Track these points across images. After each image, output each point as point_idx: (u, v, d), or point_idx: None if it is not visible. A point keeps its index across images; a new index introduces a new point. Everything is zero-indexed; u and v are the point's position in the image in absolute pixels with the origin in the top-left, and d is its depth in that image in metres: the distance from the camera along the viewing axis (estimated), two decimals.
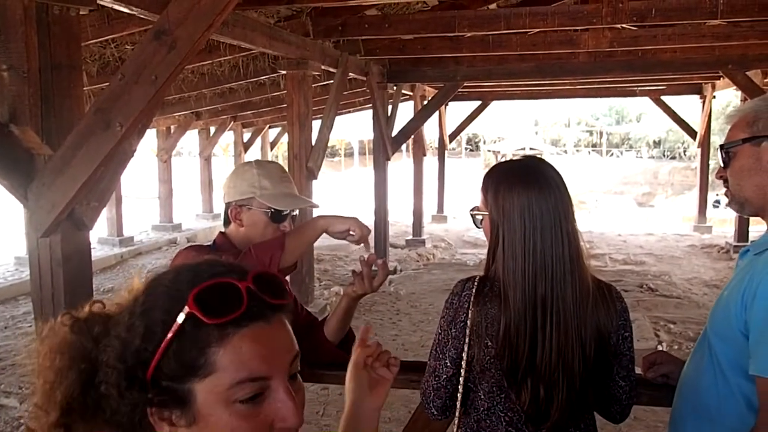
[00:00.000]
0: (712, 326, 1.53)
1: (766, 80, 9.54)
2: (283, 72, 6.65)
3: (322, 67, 6.80)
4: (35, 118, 2.59)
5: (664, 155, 32.97)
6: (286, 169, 2.13)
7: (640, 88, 12.27)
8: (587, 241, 1.58)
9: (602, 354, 1.53)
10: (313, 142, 6.80)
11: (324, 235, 1.85)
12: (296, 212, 2.01)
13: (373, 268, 1.86)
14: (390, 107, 9.61)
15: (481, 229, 1.64)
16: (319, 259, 9.42)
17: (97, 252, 10.19)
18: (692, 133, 13.02)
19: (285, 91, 7.53)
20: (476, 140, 36.43)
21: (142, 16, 3.84)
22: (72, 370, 0.79)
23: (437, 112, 11.82)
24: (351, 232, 1.82)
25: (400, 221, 13.56)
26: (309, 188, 6.62)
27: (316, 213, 1.97)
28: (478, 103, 13.50)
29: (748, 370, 1.37)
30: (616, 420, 1.67)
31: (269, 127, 15.86)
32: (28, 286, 6.85)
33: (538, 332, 1.48)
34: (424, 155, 12.28)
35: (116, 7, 3.59)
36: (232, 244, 1.93)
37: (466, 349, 1.52)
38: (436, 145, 14.17)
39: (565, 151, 35.97)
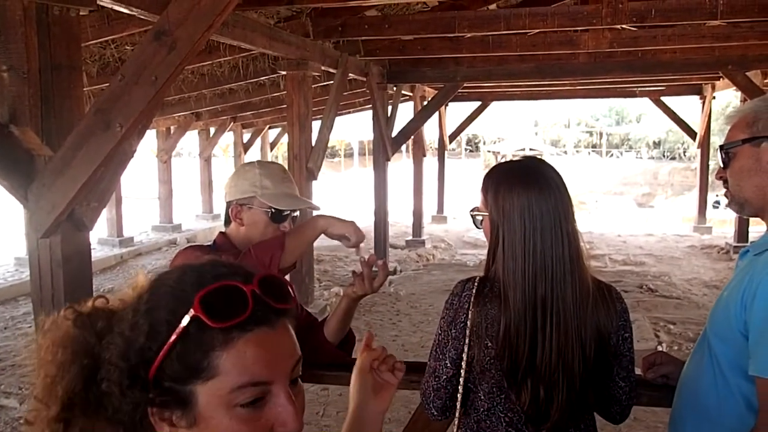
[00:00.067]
0: (712, 327, 1.53)
1: (765, 81, 9.55)
2: (283, 72, 6.65)
3: (322, 67, 6.80)
4: (35, 119, 2.59)
5: (663, 156, 32.98)
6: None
7: (639, 89, 12.27)
8: (587, 242, 1.58)
9: (602, 354, 1.53)
10: (313, 143, 6.80)
11: (322, 235, 1.86)
12: (297, 213, 2.01)
13: (374, 268, 1.86)
14: (390, 108, 9.62)
15: (481, 230, 1.64)
16: (319, 260, 9.42)
17: (97, 252, 10.19)
18: (692, 133, 13.03)
19: (285, 92, 7.54)
20: (476, 141, 36.43)
21: (142, 17, 3.84)
22: (74, 365, 0.78)
23: (437, 113, 11.83)
24: (347, 236, 1.83)
25: (400, 222, 13.56)
26: (309, 189, 6.61)
27: (315, 213, 1.96)
28: (477, 103, 13.51)
29: (747, 370, 1.37)
30: (616, 420, 1.67)
31: (269, 128, 15.86)
32: (28, 287, 6.86)
33: (538, 333, 1.48)
34: (424, 156, 12.28)
35: (116, 7, 3.59)
36: (232, 244, 1.93)
37: (466, 349, 1.52)
38: (436, 146, 14.17)
39: (565, 152, 35.97)
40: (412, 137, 11.00)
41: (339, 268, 9.50)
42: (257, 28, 5.31)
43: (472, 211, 1.64)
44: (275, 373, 0.75)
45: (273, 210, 1.90)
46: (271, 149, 17.14)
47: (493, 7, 6.85)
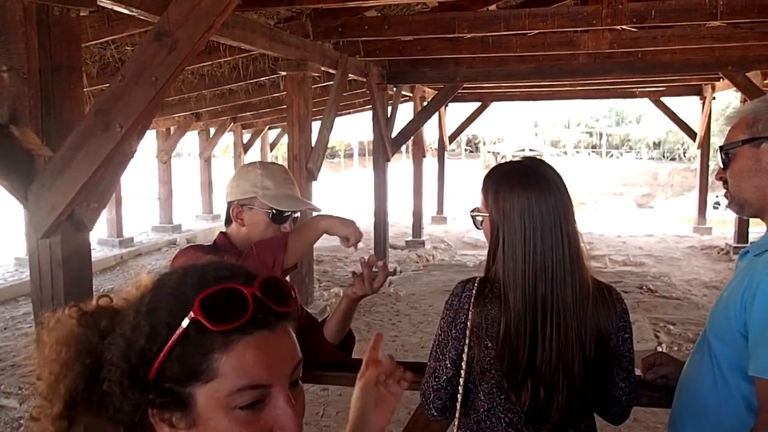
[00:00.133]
0: (712, 327, 1.53)
1: (765, 81, 9.55)
2: (283, 73, 6.65)
3: (322, 68, 6.80)
4: (35, 119, 2.59)
5: (663, 156, 32.98)
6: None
7: (639, 90, 12.27)
8: (587, 243, 1.58)
9: (602, 355, 1.53)
10: (313, 143, 6.80)
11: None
12: (298, 214, 2.01)
13: (373, 269, 1.86)
14: (390, 108, 9.62)
15: (482, 231, 1.64)
16: (318, 260, 9.42)
17: (97, 253, 10.19)
18: (692, 134, 13.03)
19: (285, 93, 7.54)
20: (476, 141, 36.45)
21: (142, 18, 3.84)
22: (77, 364, 0.79)
23: (437, 114, 11.82)
24: (348, 237, 1.84)
25: (399, 222, 13.56)
26: (309, 189, 6.61)
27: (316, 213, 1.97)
28: (477, 104, 13.51)
29: (747, 371, 1.37)
30: (616, 421, 1.67)
31: (269, 129, 15.86)
32: (28, 287, 6.86)
33: (538, 333, 1.48)
34: (424, 156, 12.28)
35: (116, 8, 3.60)
36: (233, 244, 1.93)
37: (466, 350, 1.52)
38: (436, 146, 14.17)
39: (565, 153, 35.98)
40: (412, 138, 11.00)
41: (339, 269, 9.50)
42: (257, 29, 5.31)
43: (472, 211, 1.64)
44: (275, 376, 0.75)
45: (274, 211, 1.90)
46: (271, 150, 17.14)
47: (492, 7, 6.85)
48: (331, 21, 6.25)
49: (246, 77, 7.78)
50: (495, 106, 14.34)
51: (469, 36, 7.08)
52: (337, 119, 7.95)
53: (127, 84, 2.47)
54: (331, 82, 7.52)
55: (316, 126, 7.02)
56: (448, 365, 1.56)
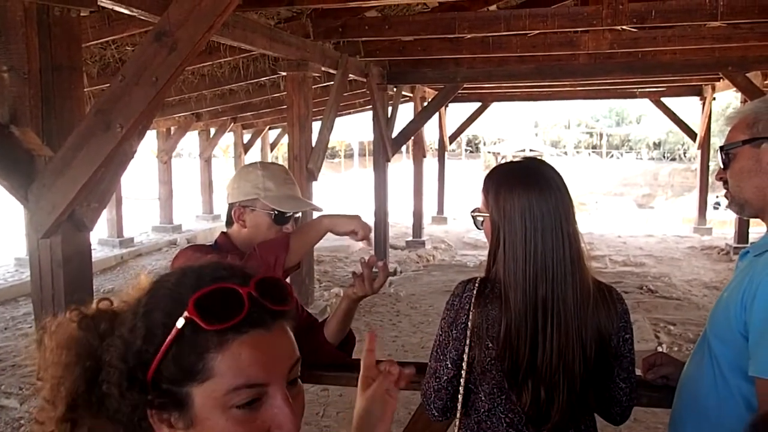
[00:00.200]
0: (712, 328, 1.53)
1: (766, 82, 9.55)
2: (284, 73, 6.65)
3: (323, 68, 6.80)
4: (36, 119, 2.59)
5: (664, 157, 32.98)
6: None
7: (640, 90, 12.27)
8: (587, 243, 1.58)
9: (603, 356, 1.53)
10: (313, 144, 6.81)
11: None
12: (299, 214, 2.01)
13: (374, 269, 1.86)
14: (390, 109, 9.62)
15: (482, 231, 1.64)
16: (319, 261, 9.42)
17: (98, 253, 10.19)
18: (692, 134, 13.03)
19: (285, 93, 7.54)
20: (476, 142, 36.46)
21: (142, 18, 3.84)
22: (78, 366, 0.79)
23: (437, 114, 11.83)
24: (354, 231, 1.83)
25: (400, 222, 13.56)
26: (309, 189, 6.62)
27: (317, 215, 1.96)
28: (478, 104, 13.51)
29: (747, 371, 1.37)
30: (617, 422, 1.67)
31: (269, 129, 15.86)
32: (28, 287, 6.86)
33: (539, 334, 1.48)
34: (424, 156, 12.29)
35: (117, 8, 3.60)
36: (234, 245, 1.93)
37: (466, 350, 1.52)
38: (436, 147, 14.17)
39: (565, 153, 35.98)
40: (412, 138, 11.00)
41: (339, 269, 9.50)
42: (257, 29, 5.32)
43: (472, 212, 1.64)
44: (271, 374, 0.75)
45: (276, 212, 1.90)
46: (272, 150, 17.14)
47: (493, 8, 6.85)
48: (331, 21, 6.25)
49: (246, 77, 7.78)
50: (495, 107, 14.34)
51: (469, 36, 7.08)
52: (338, 119, 7.95)
53: (128, 84, 2.47)
54: (332, 83, 7.52)
55: (316, 126, 7.03)
56: (449, 365, 1.56)
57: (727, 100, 20.12)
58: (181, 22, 2.39)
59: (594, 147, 37.43)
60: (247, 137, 15.42)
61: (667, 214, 18.50)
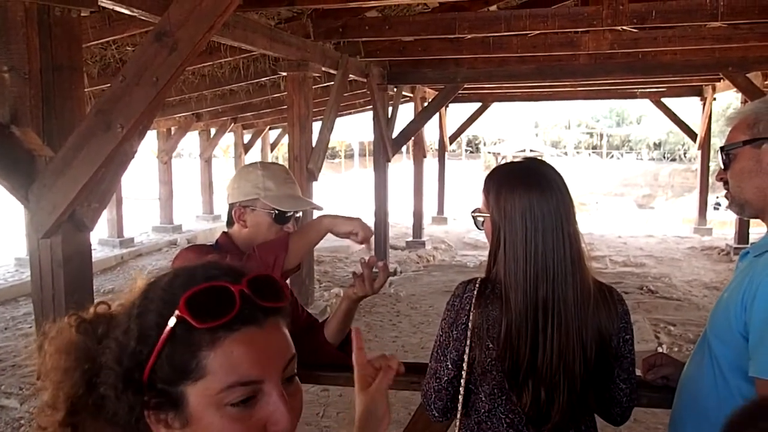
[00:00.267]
0: (712, 328, 1.53)
1: (766, 82, 9.55)
2: (284, 73, 6.65)
3: (323, 68, 6.80)
4: (36, 120, 2.59)
5: (664, 157, 32.98)
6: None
7: (640, 90, 12.27)
8: (587, 243, 1.58)
9: (603, 356, 1.53)
10: (314, 144, 6.81)
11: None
12: (300, 214, 2.01)
13: (374, 269, 1.86)
14: (390, 109, 9.62)
15: (482, 231, 1.64)
16: (319, 261, 9.42)
17: (98, 253, 10.20)
18: (692, 135, 13.03)
19: (285, 93, 7.54)
20: (476, 142, 36.46)
21: (143, 18, 3.85)
22: (77, 371, 0.80)
23: (437, 114, 11.82)
24: (354, 233, 1.82)
25: (400, 223, 13.56)
26: (309, 190, 6.62)
27: (318, 214, 1.96)
28: (478, 104, 13.51)
29: (747, 371, 1.37)
30: (617, 422, 1.67)
31: (269, 129, 15.86)
32: (28, 287, 6.86)
33: (539, 334, 1.48)
34: (425, 157, 12.29)
35: (117, 8, 3.60)
36: (235, 244, 1.93)
37: (467, 351, 1.52)
38: (437, 147, 14.17)
39: (566, 153, 35.97)
40: (413, 138, 11.00)
41: (339, 269, 9.50)
42: (258, 29, 5.32)
43: (473, 212, 1.64)
44: (265, 371, 0.75)
45: (276, 212, 1.90)
46: (272, 150, 17.14)
47: (493, 8, 6.85)
48: (331, 21, 6.25)
49: (247, 77, 7.78)
50: (495, 107, 14.34)
51: (469, 36, 7.08)
52: (338, 120, 7.95)
53: (128, 84, 2.47)
54: (332, 83, 7.52)
55: (316, 126, 7.03)
56: (449, 366, 1.56)
57: (728, 100, 20.12)
58: (181, 22, 2.39)
59: (594, 147, 37.43)
60: (247, 137, 15.42)
61: (667, 214, 18.50)
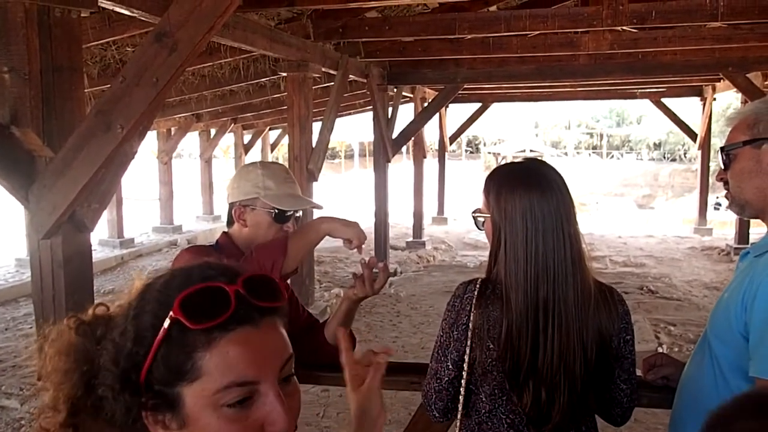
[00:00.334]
0: (712, 328, 1.53)
1: (766, 82, 9.55)
2: (284, 74, 6.65)
3: (323, 69, 6.80)
4: (36, 120, 2.59)
5: (664, 157, 32.98)
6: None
7: (640, 90, 12.27)
8: (588, 243, 1.58)
9: (603, 357, 1.53)
10: (314, 144, 6.81)
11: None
12: (300, 213, 2.01)
13: (374, 270, 1.86)
14: (390, 109, 9.62)
15: (483, 232, 1.64)
16: (319, 261, 9.42)
17: (98, 254, 10.20)
18: (692, 135, 13.03)
19: (285, 93, 7.54)
20: (476, 142, 36.46)
21: (143, 19, 3.85)
22: (76, 372, 0.80)
23: (437, 114, 11.83)
24: (350, 239, 1.83)
25: (400, 223, 13.56)
26: (309, 190, 6.62)
27: (317, 214, 1.96)
28: (478, 105, 13.51)
29: (748, 372, 1.37)
30: (617, 423, 1.67)
31: (269, 129, 15.86)
32: (28, 288, 6.86)
33: (540, 335, 1.48)
34: (425, 157, 12.28)
35: (117, 9, 3.60)
36: (235, 244, 1.93)
37: (467, 351, 1.52)
38: (437, 147, 14.18)
39: (566, 153, 35.98)
40: (413, 139, 11.00)
41: (339, 270, 9.50)
42: (258, 30, 5.32)
43: (473, 212, 1.64)
44: (262, 372, 0.75)
45: (276, 211, 1.90)
46: (272, 150, 17.14)
47: (493, 8, 6.85)
48: (331, 22, 6.26)
49: (247, 78, 7.78)
50: (495, 107, 14.34)
51: (469, 37, 7.08)
52: (338, 120, 7.95)
53: (128, 85, 2.47)
54: (332, 83, 7.53)
55: (316, 127, 7.03)
56: (450, 367, 1.56)
57: (728, 100, 20.12)
58: (181, 23, 2.39)
59: (594, 147, 37.43)
60: (247, 138, 15.43)
61: (667, 214, 18.50)
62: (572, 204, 1.55)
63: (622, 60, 8.11)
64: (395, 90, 9.81)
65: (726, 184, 1.55)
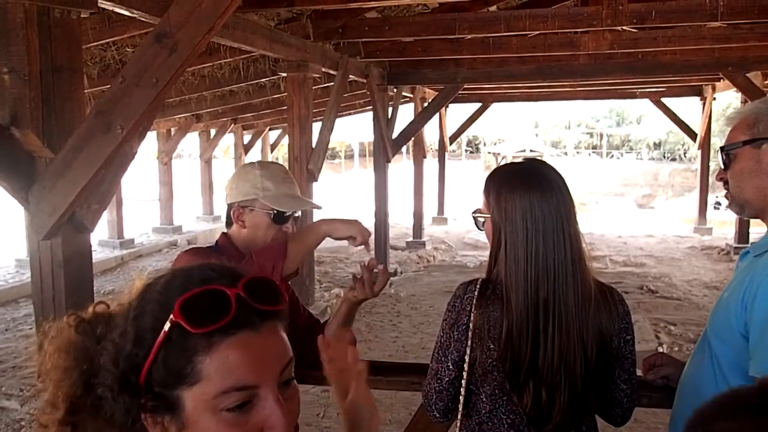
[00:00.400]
0: (712, 328, 1.53)
1: (766, 82, 9.55)
2: (284, 74, 6.65)
3: (323, 69, 6.80)
4: (36, 121, 2.59)
5: (664, 157, 32.99)
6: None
7: (640, 90, 12.27)
8: (588, 243, 1.58)
9: (604, 357, 1.53)
10: (314, 144, 6.81)
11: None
12: (299, 213, 2.00)
13: (374, 271, 1.85)
14: (390, 109, 9.62)
15: (483, 232, 1.64)
16: (319, 261, 9.42)
17: (98, 254, 10.20)
18: (692, 134, 13.03)
19: (285, 94, 7.54)
20: (476, 142, 36.47)
21: (142, 19, 3.85)
22: (75, 370, 0.80)
23: (437, 114, 11.82)
24: (353, 236, 1.82)
25: (400, 223, 13.56)
26: (309, 190, 6.62)
27: (317, 214, 1.96)
28: (478, 105, 13.51)
29: (748, 371, 1.37)
30: (618, 423, 1.67)
31: (269, 130, 15.87)
32: (28, 289, 6.86)
33: (540, 335, 1.48)
34: (425, 157, 12.29)
35: (117, 10, 3.60)
36: (234, 245, 1.93)
37: (468, 351, 1.52)
38: (437, 147, 14.18)
39: (566, 153, 35.99)
40: (413, 139, 11.00)
41: (339, 270, 9.50)
42: (258, 30, 5.32)
43: (474, 213, 1.64)
44: (261, 376, 0.75)
45: (275, 212, 1.89)
46: (272, 151, 17.15)
47: (493, 8, 6.85)
48: (331, 22, 6.25)
49: (246, 78, 7.78)
50: (495, 107, 14.34)
51: (469, 37, 7.08)
52: (338, 120, 7.95)
53: (128, 85, 2.47)
54: (332, 83, 7.53)
55: (316, 127, 7.03)
56: (450, 367, 1.56)
57: (728, 100, 20.12)
58: (181, 23, 2.39)
59: (594, 147, 37.44)
60: (247, 138, 15.43)
61: (667, 214, 18.50)
62: (572, 204, 1.55)
63: (622, 60, 8.11)
64: (395, 90, 9.82)
65: (726, 183, 1.55)
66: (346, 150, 34.87)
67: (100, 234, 10.84)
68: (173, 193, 13.29)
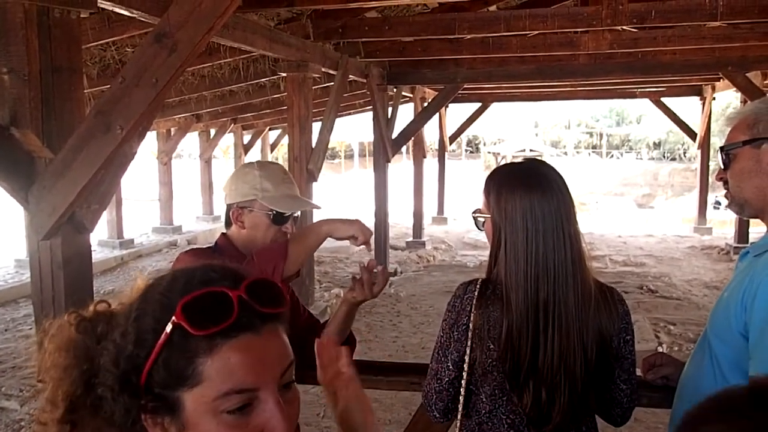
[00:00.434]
0: (712, 327, 1.53)
1: (766, 82, 9.55)
2: (284, 74, 6.65)
3: (323, 69, 6.80)
4: (36, 121, 2.59)
5: (664, 157, 33.00)
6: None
7: (640, 90, 12.26)
8: (587, 243, 1.58)
9: (604, 357, 1.53)
10: (314, 144, 6.81)
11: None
12: (298, 214, 2.00)
13: (374, 272, 1.85)
14: (390, 109, 9.62)
15: (483, 232, 1.64)
16: (319, 261, 9.42)
17: (98, 254, 10.20)
18: (692, 134, 13.03)
19: (285, 94, 7.54)
20: (476, 142, 36.49)
21: (142, 19, 3.84)
22: (75, 369, 0.80)
23: (437, 114, 11.82)
24: (354, 236, 1.82)
25: (400, 223, 13.56)
26: (309, 190, 6.62)
27: (317, 214, 1.96)
28: (478, 104, 13.51)
29: (748, 371, 1.37)
30: (617, 423, 1.67)
31: (269, 129, 15.87)
32: (28, 289, 6.86)
33: (540, 335, 1.48)
34: (425, 157, 12.28)
35: (117, 10, 3.60)
36: (234, 246, 1.92)
37: (468, 351, 1.52)
38: (437, 147, 14.18)
39: (566, 153, 36.00)
40: (413, 138, 10.99)
41: (339, 270, 9.50)
42: (257, 30, 5.32)
43: (474, 213, 1.64)
44: (262, 379, 0.75)
45: (274, 212, 1.89)
46: (272, 151, 17.15)
47: (493, 8, 6.85)
48: (331, 22, 6.25)
49: (246, 78, 7.78)
50: (495, 107, 14.34)
51: (469, 37, 7.08)
52: (338, 120, 7.95)
53: (128, 85, 2.47)
54: (332, 83, 7.53)
55: (316, 127, 7.03)
56: (450, 367, 1.56)
57: (727, 100, 20.13)
58: (181, 23, 2.39)
59: (594, 147, 37.45)
60: (247, 138, 15.43)
61: (667, 213, 18.51)
62: (572, 204, 1.55)
63: (622, 59, 8.10)
64: (395, 90, 9.81)
65: (726, 183, 1.55)
66: (346, 150, 34.88)
67: (99, 234, 10.84)
68: (173, 193, 13.30)
